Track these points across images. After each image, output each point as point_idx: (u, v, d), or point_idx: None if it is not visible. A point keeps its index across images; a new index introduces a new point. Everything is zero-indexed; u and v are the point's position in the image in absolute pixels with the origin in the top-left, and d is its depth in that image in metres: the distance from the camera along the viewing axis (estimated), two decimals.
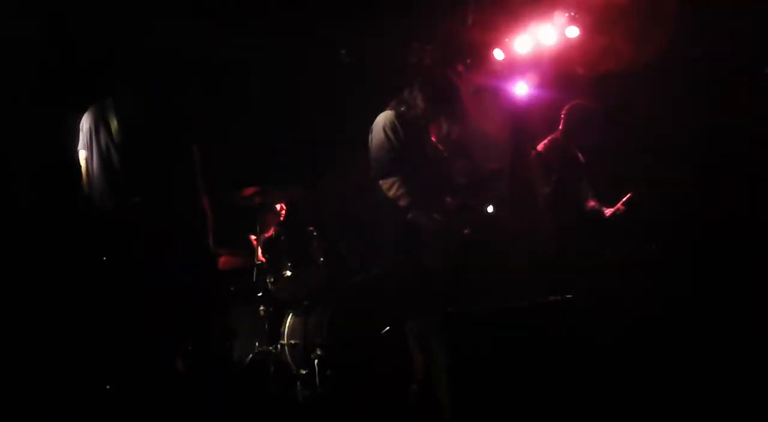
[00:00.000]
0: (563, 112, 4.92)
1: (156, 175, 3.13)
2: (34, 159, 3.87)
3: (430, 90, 3.76)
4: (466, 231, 3.75)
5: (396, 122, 3.64)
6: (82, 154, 3.27)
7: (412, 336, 3.65)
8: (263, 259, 4.75)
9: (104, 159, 3.15)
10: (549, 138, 4.90)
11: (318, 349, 4.40)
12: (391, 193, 3.58)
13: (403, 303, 3.72)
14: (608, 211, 4.86)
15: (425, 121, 3.78)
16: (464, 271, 3.72)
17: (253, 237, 5.25)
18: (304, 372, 4.41)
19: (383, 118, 3.71)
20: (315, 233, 4.78)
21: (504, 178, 4.94)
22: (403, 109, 3.74)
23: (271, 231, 5.24)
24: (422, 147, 3.74)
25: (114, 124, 3.15)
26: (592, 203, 4.87)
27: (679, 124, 4.85)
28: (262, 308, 4.67)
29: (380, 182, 3.63)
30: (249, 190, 4.82)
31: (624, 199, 4.86)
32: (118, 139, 3.14)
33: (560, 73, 5.70)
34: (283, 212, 5.44)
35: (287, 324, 4.71)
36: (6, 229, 3.78)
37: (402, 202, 3.57)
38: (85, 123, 3.26)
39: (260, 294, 4.66)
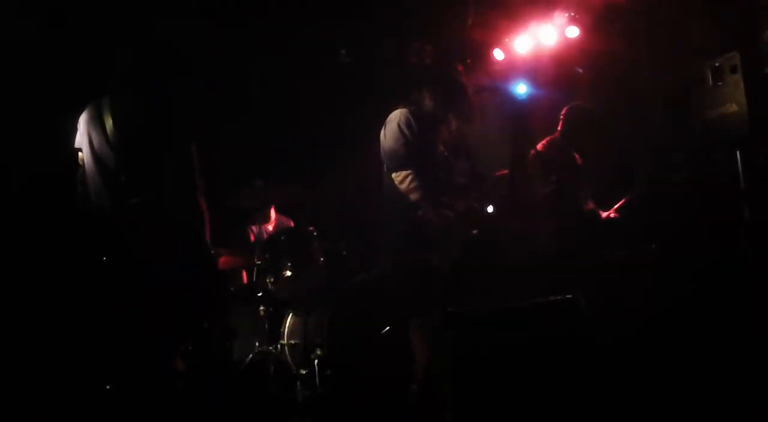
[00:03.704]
0: (562, 113, 4.92)
1: (152, 174, 3.13)
2: (33, 159, 3.87)
3: (437, 90, 3.81)
4: (474, 231, 3.78)
5: (411, 118, 3.70)
6: (80, 154, 3.27)
7: (417, 333, 3.65)
8: (260, 260, 4.73)
9: (99, 158, 3.15)
10: (548, 138, 4.90)
11: (318, 349, 4.39)
12: (403, 186, 3.62)
13: (407, 302, 3.73)
14: (604, 214, 4.86)
15: (435, 121, 3.82)
16: (467, 271, 3.74)
17: (252, 237, 5.25)
18: (304, 372, 4.41)
19: (398, 114, 3.77)
20: (315, 233, 4.78)
21: (490, 165, 4.99)
22: (413, 108, 3.79)
23: (272, 231, 5.24)
24: (432, 146, 3.79)
25: (109, 123, 3.15)
26: (590, 205, 4.87)
27: (679, 124, 4.84)
28: (262, 308, 4.67)
29: (393, 175, 3.66)
30: (249, 190, 4.82)
31: (619, 204, 4.86)
32: (113, 138, 3.14)
33: (560, 73, 5.70)
34: (274, 212, 5.45)
35: (287, 324, 4.71)
36: (5, 230, 3.78)
37: (413, 196, 3.61)
38: (82, 123, 3.26)
39: (260, 294, 4.66)
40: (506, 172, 4.13)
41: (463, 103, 3.90)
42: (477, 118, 5.92)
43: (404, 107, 3.81)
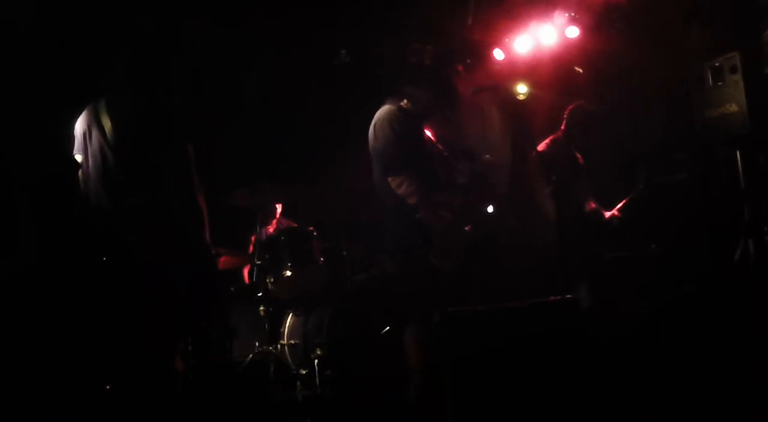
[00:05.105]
0: (566, 113, 4.92)
1: (150, 174, 3.13)
2: (32, 161, 3.87)
3: (436, 89, 3.79)
4: (467, 227, 3.78)
5: (400, 116, 3.66)
6: (78, 158, 3.26)
7: (412, 336, 3.65)
8: (260, 260, 4.73)
9: (98, 160, 3.15)
10: (549, 138, 4.90)
11: (318, 349, 4.40)
12: (401, 190, 3.59)
13: (408, 302, 3.72)
14: (607, 214, 4.86)
15: (425, 118, 3.80)
16: (469, 271, 3.73)
17: (253, 237, 5.25)
18: (304, 372, 4.41)
19: (386, 113, 3.71)
20: (315, 233, 4.78)
21: (499, 169, 4.96)
22: (403, 104, 3.74)
23: (271, 231, 5.24)
24: (422, 143, 3.76)
25: (107, 123, 3.15)
26: (591, 205, 4.87)
27: (679, 124, 4.85)
28: (262, 308, 4.67)
29: (389, 179, 3.62)
30: (248, 190, 4.81)
31: (621, 204, 4.86)
32: (111, 139, 3.14)
33: (560, 73, 5.70)
34: (279, 212, 5.45)
35: (287, 324, 4.71)
36: (4, 231, 3.78)
37: (411, 200, 3.58)
38: (79, 126, 3.26)
39: (260, 294, 4.66)
40: (491, 159, 4.12)
41: (455, 105, 3.89)
42: (476, 118, 5.94)
43: (392, 103, 3.76)
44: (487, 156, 4.13)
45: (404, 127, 3.64)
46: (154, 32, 3.38)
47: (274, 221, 5.40)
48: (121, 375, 3.07)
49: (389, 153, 3.62)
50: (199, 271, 3.18)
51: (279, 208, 5.42)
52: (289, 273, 4.55)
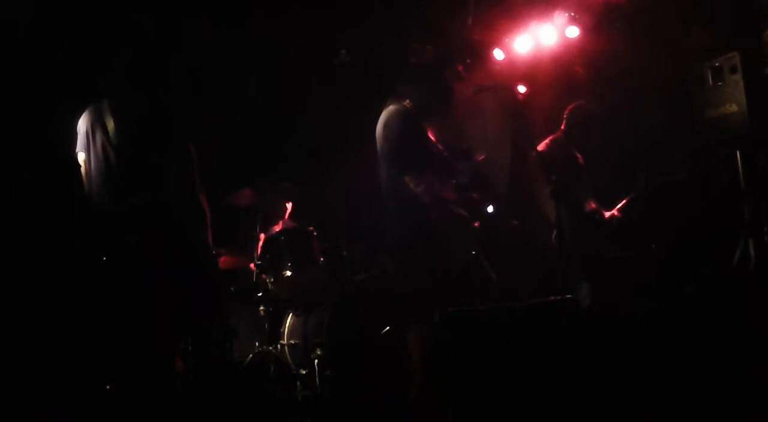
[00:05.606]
0: (566, 113, 4.92)
1: (151, 174, 3.13)
2: (33, 161, 3.87)
3: (435, 89, 3.78)
4: (475, 223, 3.78)
5: (409, 116, 3.66)
6: (81, 157, 3.27)
7: (414, 337, 3.65)
8: (260, 260, 4.72)
9: (101, 160, 3.15)
10: (549, 138, 4.90)
11: (318, 349, 4.40)
12: (419, 190, 3.58)
13: (410, 303, 3.71)
14: (607, 214, 4.86)
15: (424, 118, 3.80)
16: (475, 271, 3.73)
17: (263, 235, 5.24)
18: (304, 372, 4.41)
19: (397, 112, 3.70)
20: (315, 233, 4.78)
21: (496, 168, 4.95)
22: (406, 103, 3.74)
23: (272, 231, 5.24)
24: (429, 142, 3.77)
25: (110, 124, 3.15)
26: (591, 205, 4.87)
27: (679, 124, 4.85)
28: (262, 308, 4.67)
29: (407, 179, 3.61)
30: (249, 190, 4.81)
31: (621, 204, 4.86)
32: (114, 139, 3.14)
33: (560, 73, 5.70)
34: (288, 212, 5.44)
35: (287, 324, 4.71)
36: (5, 230, 3.78)
37: (425, 199, 3.57)
38: (82, 125, 3.26)
39: (260, 294, 4.66)
40: (481, 155, 4.12)
41: (451, 105, 3.90)
42: (476, 118, 5.94)
43: (397, 104, 3.76)
44: (482, 156, 4.12)
45: (414, 126, 3.65)
46: (154, 32, 3.38)
47: (281, 222, 5.40)
48: (121, 375, 3.07)
49: (405, 150, 3.62)
50: (199, 271, 3.18)
51: (289, 207, 5.40)
52: (289, 273, 4.55)
